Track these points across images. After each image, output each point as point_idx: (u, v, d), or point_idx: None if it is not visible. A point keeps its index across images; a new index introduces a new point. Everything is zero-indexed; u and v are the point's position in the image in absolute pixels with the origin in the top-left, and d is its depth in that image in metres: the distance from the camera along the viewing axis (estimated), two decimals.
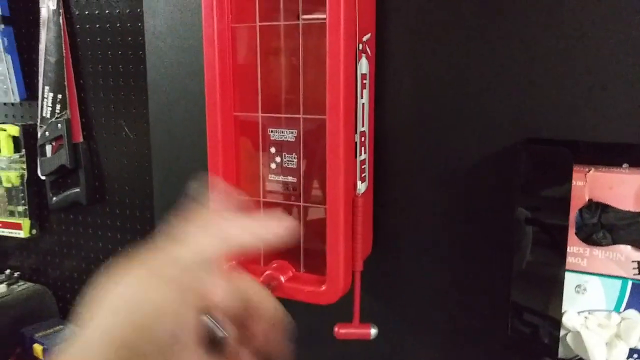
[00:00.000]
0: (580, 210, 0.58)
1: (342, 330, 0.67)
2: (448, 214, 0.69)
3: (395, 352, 0.75)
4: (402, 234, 0.72)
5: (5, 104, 1.06)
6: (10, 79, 1.00)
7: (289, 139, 0.65)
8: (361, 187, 0.66)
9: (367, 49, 0.65)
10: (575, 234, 0.58)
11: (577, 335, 0.58)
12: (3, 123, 1.05)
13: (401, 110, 0.70)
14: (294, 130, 0.65)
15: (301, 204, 0.66)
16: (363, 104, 0.65)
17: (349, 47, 0.60)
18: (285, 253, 0.68)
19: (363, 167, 0.66)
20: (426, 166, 0.69)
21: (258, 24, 0.64)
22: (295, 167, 0.66)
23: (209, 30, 0.65)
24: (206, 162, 0.68)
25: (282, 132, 0.66)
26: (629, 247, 0.56)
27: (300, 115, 0.64)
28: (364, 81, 0.65)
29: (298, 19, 0.63)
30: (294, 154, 0.66)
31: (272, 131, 0.66)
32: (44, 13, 0.96)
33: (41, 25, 0.97)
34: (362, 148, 0.66)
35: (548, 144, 0.61)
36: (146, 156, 0.92)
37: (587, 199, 0.57)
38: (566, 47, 0.60)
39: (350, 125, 0.62)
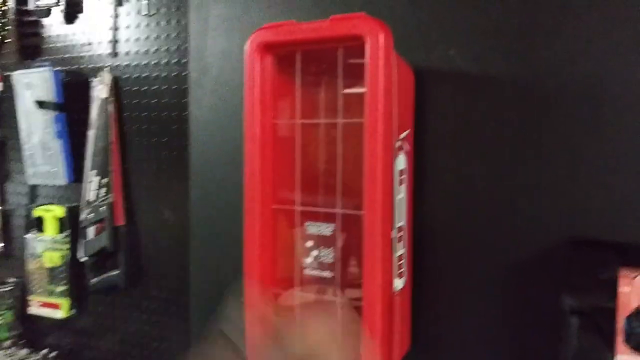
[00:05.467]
0: (629, 318, 0.55)
1: None
2: (490, 314, 0.67)
3: None
4: (442, 331, 0.70)
5: (53, 186, 1.09)
6: (59, 163, 1.04)
7: (326, 234, 0.65)
8: (398, 283, 0.65)
9: (405, 145, 0.66)
10: (624, 341, 0.55)
11: None
12: (49, 204, 1.08)
13: (441, 205, 0.69)
14: (332, 225, 0.65)
15: (337, 299, 0.65)
16: (400, 198, 0.65)
17: (386, 146, 0.60)
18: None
19: (401, 262, 0.66)
20: (468, 262, 0.68)
21: (299, 121, 0.66)
22: (332, 261, 0.65)
23: (250, 126, 0.66)
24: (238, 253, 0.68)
25: (319, 226, 0.66)
26: None
27: (338, 210, 0.64)
28: (402, 177, 0.65)
29: (336, 118, 0.64)
30: (331, 248, 0.65)
31: (309, 225, 0.66)
32: (96, 101, 1.01)
33: (92, 112, 1.01)
34: (400, 243, 0.65)
35: (593, 246, 0.59)
36: (184, 242, 0.93)
37: (633, 307, 0.54)
38: (613, 149, 0.59)
39: (387, 221, 0.61)
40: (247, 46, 0.65)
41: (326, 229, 0.65)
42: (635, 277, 0.54)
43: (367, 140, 0.59)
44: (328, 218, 0.65)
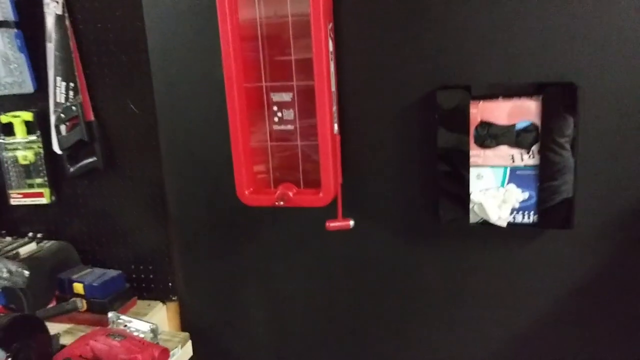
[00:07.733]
0: (476, 128, 0.93)
1: (332, 224, 1.00)
2: (389, 146, 1.03)
3: (367, 236, 1.09)
4: (364, 168, 1.05)
5: (19, 95, 1.26)
6: (24, 74, 1.21)
7: (287, 100, 0.96)
8: (335, 127, 0.98)
9: (331, 34, 0.97)
10: (474, 142, 0.94)
11: (480, 204, 0.95)
12: (16, 110, 1.25)
13: (354, 75, 1.02)
14: (290, 93, 0.96)
15: (298, 143, 0.97)
16: (332, 71, 0.97)
17: (325, 33, 0.91)
18: (288, 178, 1.00)
19: (335, 113, 0.99)
20: (370, 111, 1.02)
21: (259, 18, 0.94)
22: (292, 118, 0.97)
23: (223, 24, 0.93)
24: (205, 126, 0.98)
25: (281, 95, 0.96)
26: (505, 146, 0.93)
27: (294, 83, 0.95)
28: (331, 56, 0.97)
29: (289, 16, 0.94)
30: (290, 109, 0.96)
31: (273, 95, 0.96)
32: (50, 17, 1.18)
33: (49, 27, 1.18)
34: (334, 100, 0.98)
35: (454, 88, 0.95)
36: (152, 127, 1.16)
37: (479, 120, 0.93)
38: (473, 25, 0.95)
39: (329, 85, 0.94)
40: None
41: (286, 97, 0.96)
42: (479, 102, 0.92)
43: (314, 30, 0.89)
44: (287, 89, 0.96)
